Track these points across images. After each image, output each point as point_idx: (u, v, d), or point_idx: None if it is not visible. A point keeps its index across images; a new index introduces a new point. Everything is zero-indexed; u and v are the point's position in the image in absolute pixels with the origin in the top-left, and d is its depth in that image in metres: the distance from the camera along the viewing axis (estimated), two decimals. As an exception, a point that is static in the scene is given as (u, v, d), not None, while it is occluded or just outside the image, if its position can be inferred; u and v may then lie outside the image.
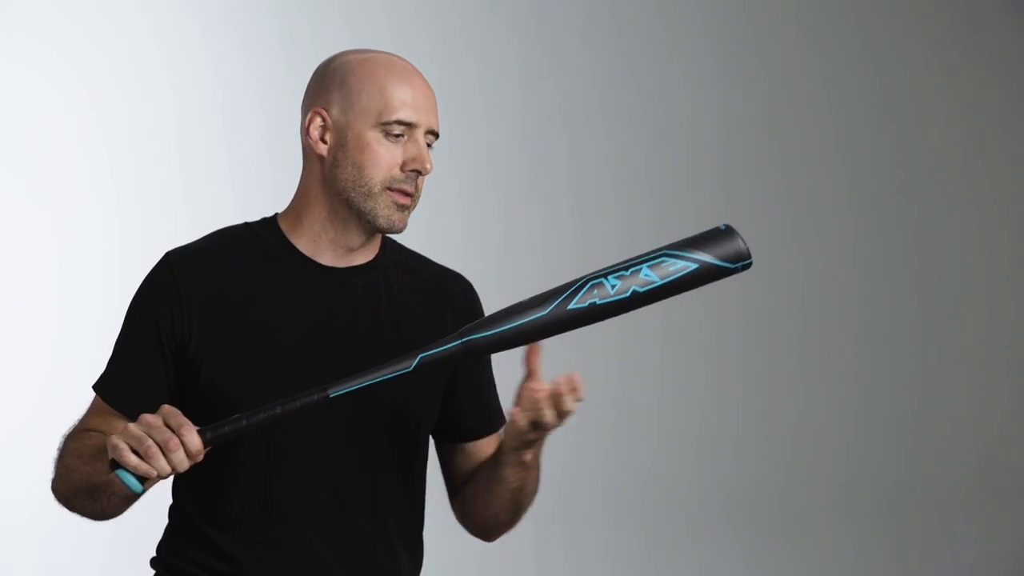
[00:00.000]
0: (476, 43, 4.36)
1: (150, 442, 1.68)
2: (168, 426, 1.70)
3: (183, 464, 1.70)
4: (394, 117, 1.89)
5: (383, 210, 1.90)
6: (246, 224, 1.99)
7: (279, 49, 3.99)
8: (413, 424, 1.96)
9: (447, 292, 2.02)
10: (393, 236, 1.98)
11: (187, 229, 2.34)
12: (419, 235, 2.14)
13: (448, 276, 2.04)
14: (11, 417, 3.65)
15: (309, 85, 1.96)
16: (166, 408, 1.72)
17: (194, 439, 1.70)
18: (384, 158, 1.90)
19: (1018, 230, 5.17)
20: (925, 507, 4.96)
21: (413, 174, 1.91)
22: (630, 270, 1.73)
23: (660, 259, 1.73)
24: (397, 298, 1.97)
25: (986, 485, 5.06)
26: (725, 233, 1.73)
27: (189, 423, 1.70)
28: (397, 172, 1.90)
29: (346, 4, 4.12)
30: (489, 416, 2.05)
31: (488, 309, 2.09)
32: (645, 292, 1.72)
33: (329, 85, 1.92)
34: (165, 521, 1.98)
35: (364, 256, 1.97)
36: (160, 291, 1.91)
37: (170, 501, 1.96)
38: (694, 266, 1.72)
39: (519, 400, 1.80)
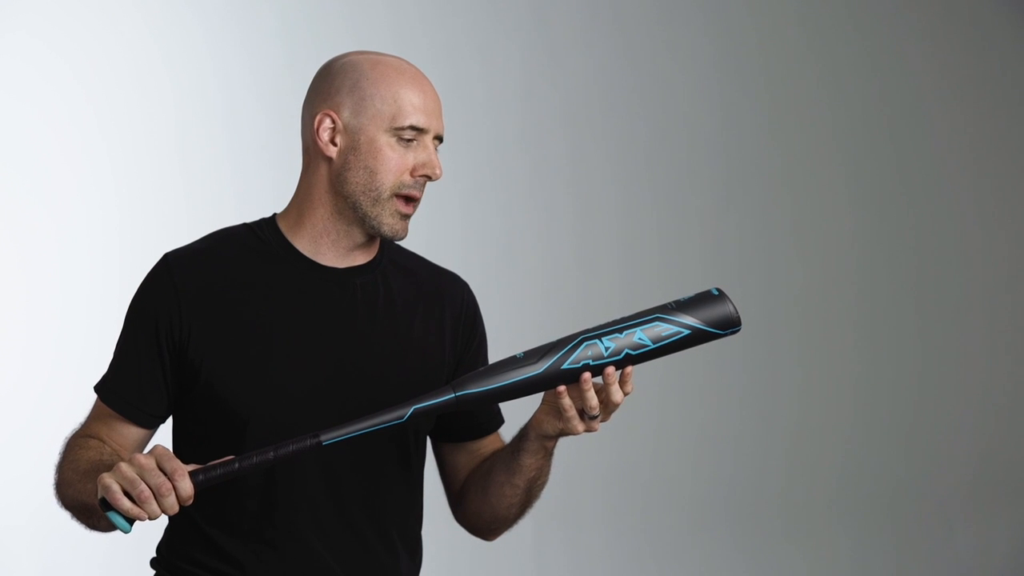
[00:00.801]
0: (476, 43, 4.36)
1: (143, 486, 1.68)
2: (161, 469, 1.69)
3: (174, 508, 1.69)
4: (407, 122, 1.90)
5: (388, 218, 1.92)
6: (245, 225, 1.99)
7: (279, 49, 3.99)
8: (412, 425, 1.96)
9: (444, 293, 2.03)
10: (391, 238, 1.99)
11: (187, 229, 2.35)
12: (419, 235, 2.14)
13: (446, 277, 2.05)
14: (11, 417, 3.65)
15: (314, 85, 1.96)
16: (159, 450, 1.71)
17: (186, 484, 1.69)
18: (396, 162, 1.91)
19: (1018, 230, 5.17)
20: (925, 507, 4.96)
21: (422, 179, 1.93)
22: (624, 332, 1.80)
23: (653, 322, 1.80)
24: (395, 298, 1.97)
25: (986, 485, 5.06)
26: (717, 299, 1.82)
27: (182, 467, 1.70)
28: (407, 177, 1.92)
29: (346, 4, 4.12)
30: (494, 413, 2.07)
31: (486, 309, 2.10)
32: (637, 354, 1.80)
33: (340, 87, 1.92)
34: (165, 521, 1.97)
35: (363, 257, 1.97)
36: (159, 293, 1.91)
37: (170, 501, 1.96)
38: (686, 332, 1.80)
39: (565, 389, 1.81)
